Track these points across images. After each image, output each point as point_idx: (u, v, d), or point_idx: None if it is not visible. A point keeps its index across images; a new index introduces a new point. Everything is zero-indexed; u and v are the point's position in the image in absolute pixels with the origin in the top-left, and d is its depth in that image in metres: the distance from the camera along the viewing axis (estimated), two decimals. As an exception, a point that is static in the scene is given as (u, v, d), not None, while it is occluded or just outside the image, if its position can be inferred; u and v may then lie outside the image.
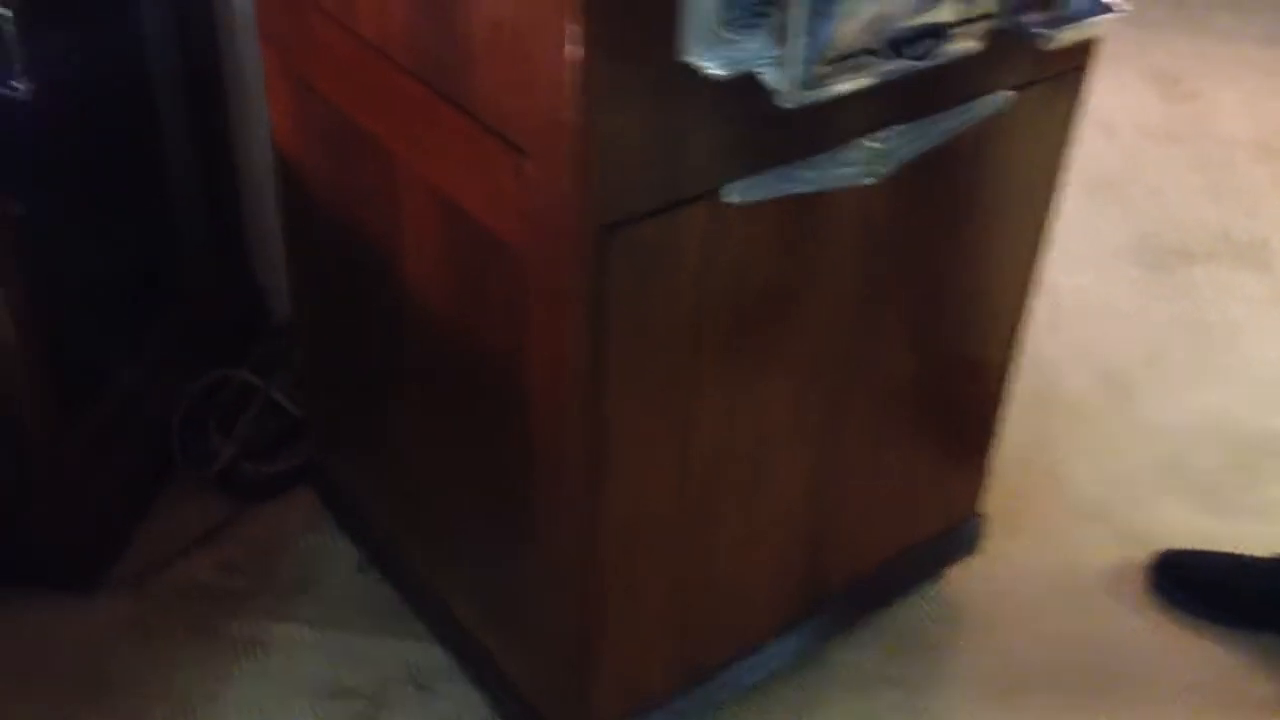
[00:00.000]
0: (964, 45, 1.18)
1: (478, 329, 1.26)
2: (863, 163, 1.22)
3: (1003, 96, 1.31)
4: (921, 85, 1.21)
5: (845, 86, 1.12)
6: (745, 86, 1.06)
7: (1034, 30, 1.20)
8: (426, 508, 1.56)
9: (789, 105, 1.09)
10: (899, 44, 1.12)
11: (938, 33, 1.14)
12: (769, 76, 1.07)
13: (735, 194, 1.13)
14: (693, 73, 1.03)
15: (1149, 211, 2.70)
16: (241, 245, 2.04)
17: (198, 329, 1.93)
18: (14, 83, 1.47)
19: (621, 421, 1.20)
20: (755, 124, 1.12)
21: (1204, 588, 1.83)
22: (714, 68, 1.03)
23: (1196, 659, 1.74)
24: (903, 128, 1.23)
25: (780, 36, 1.05)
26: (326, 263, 1.53)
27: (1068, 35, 1.21)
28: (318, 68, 1.33)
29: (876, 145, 1.22)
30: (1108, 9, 1.23)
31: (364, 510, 1.71)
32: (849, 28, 1.06)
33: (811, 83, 1.08)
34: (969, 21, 1.17)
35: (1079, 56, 1.35)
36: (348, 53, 1.25)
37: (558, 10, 0.95)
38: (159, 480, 1.84)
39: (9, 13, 1.42)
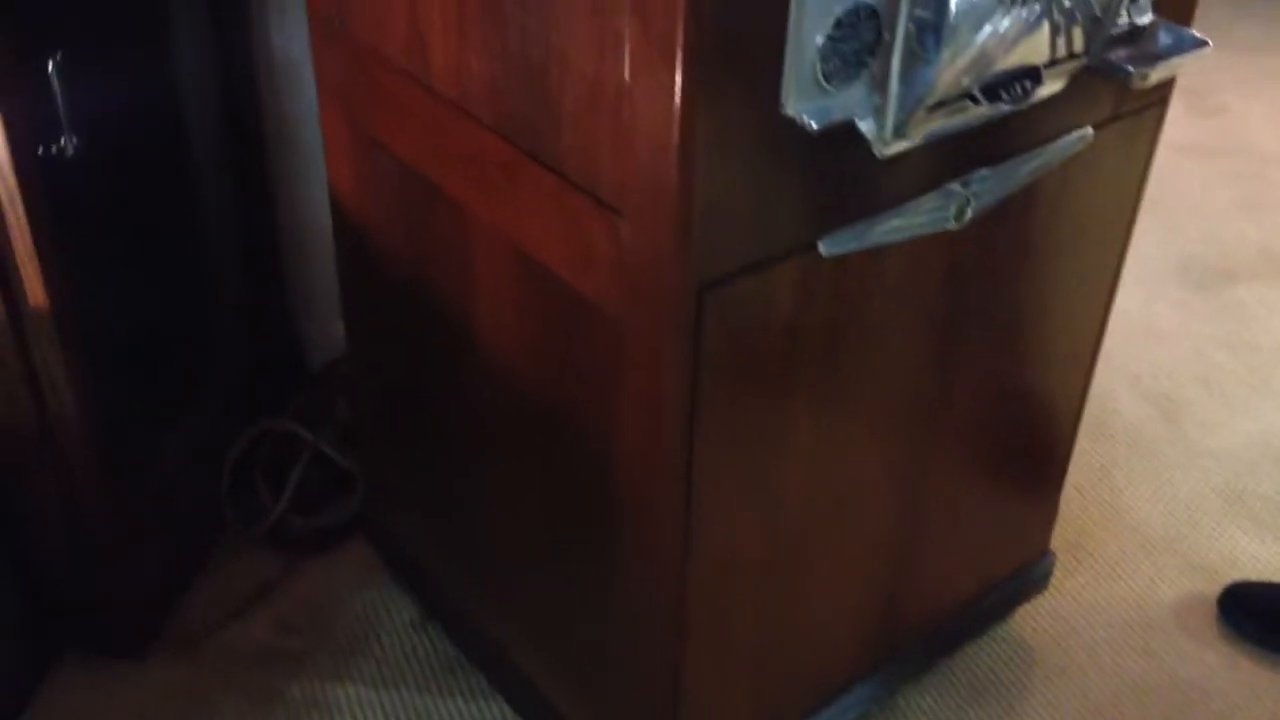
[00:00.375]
0: (1053, 86, 1.16)
1: (559, 385, 1.22)
2: (950, 208, 1.19)
3: (1084, 135, 1.28)
4: (1006, 126, 1.18)
5: (938, 132, 1.10)
6: (839, 136, 1.03)
7: (1127, 68, 1.17)
8: (491, 560, 1.52)
9: (884, 154, 1.06)
10: (995, 88, 1.09)
11: (1033, 75, 1.11)
12: (865, 126, 1.05)
13: (828, 246, 1.10)
14: (790, 125, 1.00)
15: (1189, 230, 2.67)
16: (279, 293, 2.01)
17: (239, 381, 1.90)
18: (62, 139, 1.44)
19: (712, 475, 1.16)
20: (847, 173, 1.08)
21: (1274, 619, 1.79)
22: (813, 120, 1.00)
23: (1272, 694, 1.71)
24: (988, 171, 1.20)
25: (880, 86, 1.03)
26: (386, 315, 1.49)
27: (1162, 73, 1.18)
28: (385, 122, 1.29)
29: (964, 190, 1.19)
30: (1200, 43, 1.20)
31: (421, 562, 1.67)
32: (948, 75, 1.03)
33: (907, 130, 1.06)
34: (1059, 62, 1.14)
35: (1160, 90, 1.32)
36: (419, 108, 1.22)
37: (663, 67, 0.92)
38: (209, 539, 1.81)
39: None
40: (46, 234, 1.31)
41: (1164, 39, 1.22)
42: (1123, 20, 1.17)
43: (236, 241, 1.90)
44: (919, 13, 1.00)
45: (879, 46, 1.01)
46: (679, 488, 1.14)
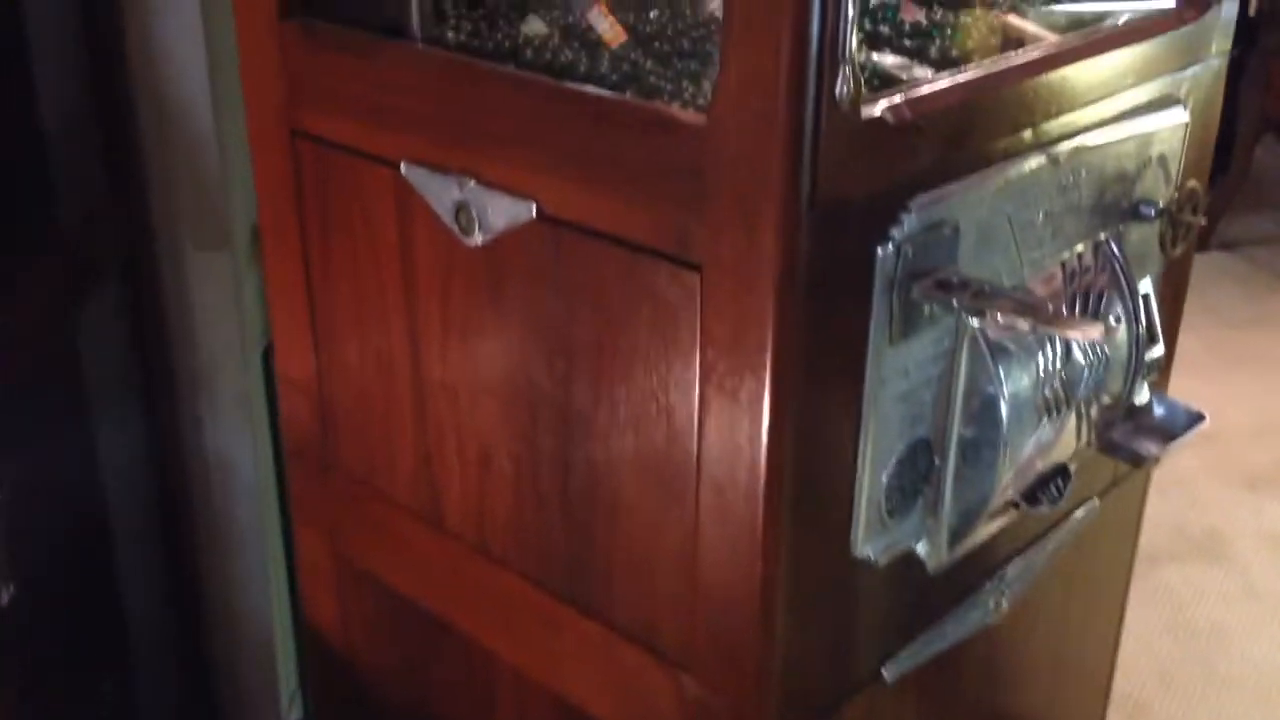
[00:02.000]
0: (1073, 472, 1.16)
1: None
2: (990, 603, 1.16)
3: (1093, 506, 1.28)
4: (1030, 516, 1.17)
5: (983, 538, 1.08)
6: (896, 560, 1.00)
7: (1139, 451, 1.18)
8: None
9: (937, 570, 1.04)
10: (1034, 492, 1.08)
11: (1064, 474, 1.11)
12: (921, 549, 1.02)
13: (891, 671, 1.05)
14: (856, 563, 0.96)
15: (1103, 516, 2.73)
16: (210, 699, 1.85)
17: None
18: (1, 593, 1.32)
19: None
20: (904, 595, 1.05)
21: None
22: (880, 557, 0.96)
23: None
24: (1020, 560, 1.18)
25: (933, 509, 1.00)
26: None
27: (1173, 451, 1.19)
28: (380, 558, 1.21)
29: (1000, 582, 1.16)
30: (1197, 418, 1.23)
31: None
32: (998, 489, 1.02)
33: (958, 544, 1.03)
34: (1079, 452, 1.14)
35: (1150, 450, 1.34)
36: (427, 547, 1.14)
37: (743, 526, 0.88)
38: None
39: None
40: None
41: (1159, 410, 1.24)
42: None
43: (166, 650, 1.75)
44: (969, 435, 0.99)
45: (931, 473, 0.99)
46: None
